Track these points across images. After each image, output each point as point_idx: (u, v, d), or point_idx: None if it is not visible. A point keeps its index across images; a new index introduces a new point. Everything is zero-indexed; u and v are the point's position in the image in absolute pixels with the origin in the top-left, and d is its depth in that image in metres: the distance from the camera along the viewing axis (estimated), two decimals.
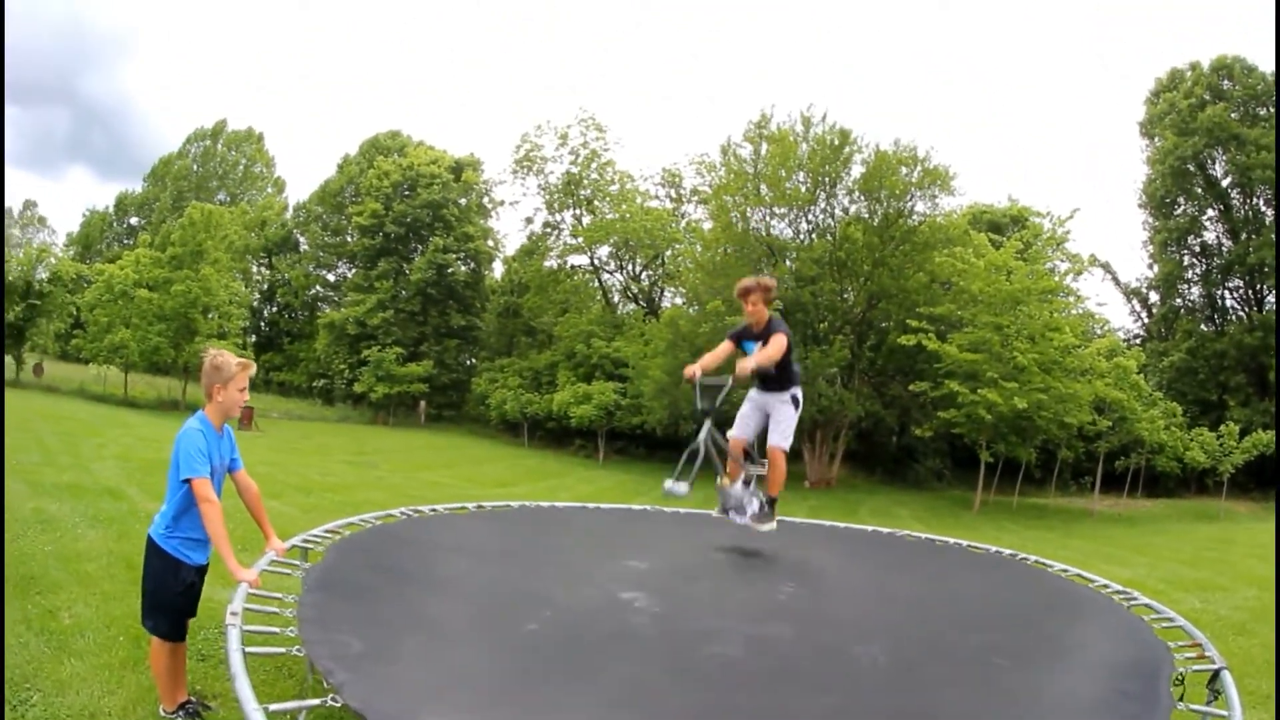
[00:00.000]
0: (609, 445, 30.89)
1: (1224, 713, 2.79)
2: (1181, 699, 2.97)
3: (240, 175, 53.94)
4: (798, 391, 5.05)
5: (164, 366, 29.49)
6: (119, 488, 8.91)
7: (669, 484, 4.39)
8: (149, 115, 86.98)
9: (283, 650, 2.90)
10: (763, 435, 5.14)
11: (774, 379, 5.04)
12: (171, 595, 3.42)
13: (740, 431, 5.13)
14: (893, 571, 5.51)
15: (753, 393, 5.21)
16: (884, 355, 27.25)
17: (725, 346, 5.07)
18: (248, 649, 2.70)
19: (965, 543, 6.48)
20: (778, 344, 4.74)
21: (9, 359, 25.93)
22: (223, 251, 31.50)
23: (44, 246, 28.75)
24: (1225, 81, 30.96)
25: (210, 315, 30.37)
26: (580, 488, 20.18)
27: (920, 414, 24.60)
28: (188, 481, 3.31)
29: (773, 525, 4.95)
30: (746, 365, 4.63)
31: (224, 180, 53.17)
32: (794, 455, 27.42)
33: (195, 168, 52.65)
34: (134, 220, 53.12)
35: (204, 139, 53.52)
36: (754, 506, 4.95)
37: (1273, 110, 29.68)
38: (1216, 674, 3.10)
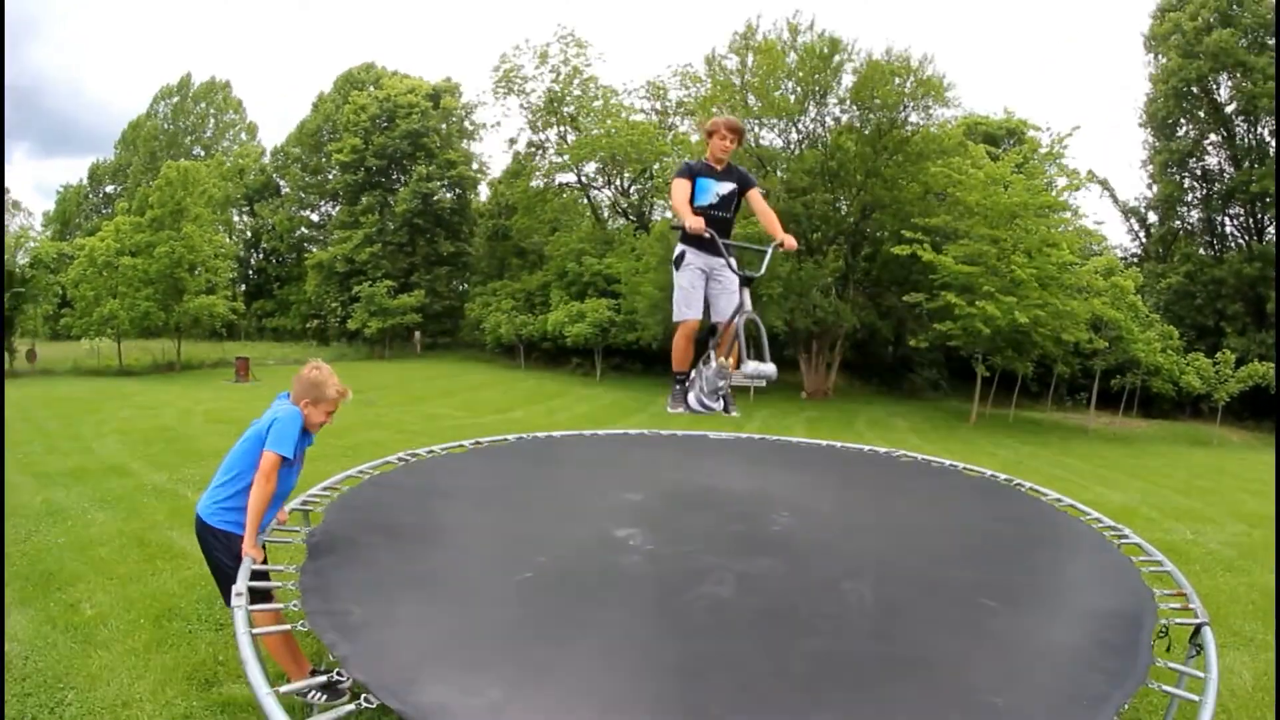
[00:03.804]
0: (605, 362, 31.00)
1: (1201, 674, 2.79)
2: (1169, 649, 3.00)
3: (213, 127, 52.29)
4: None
5: (155, 330, 29.23)
6: (123, 464, 8.94)
7: (752, 365, 3.81)
8: (103, 82, 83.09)
9: (289, 628, 2.92)
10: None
11: (728, 234, 4.47)
12: (232, 571, 3.28)
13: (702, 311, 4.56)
14: (887, 498, 5.51)
15: (693, 256, 4.50)
16: (879, 266, 27.07)
17: (686, 186, 4.44)
18: (256, 631, 2.72)
19: (961, 465, 6.52)
20: (764, 200, 4.34)
21: None
22: (203, 206, 30.77)
23: (23, 230, 27.87)
24: (1234, 7, 29.29)
25: (197, 271, 29.91)
26: (578, 407, 20.18)
27: (916, 325, 24.57)
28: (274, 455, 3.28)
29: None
30: (792, 241, 4.16)
31: (197, 135, 51.58)
32: (791, 365, 27.70)
33: (165, 126, 50.94)
34: (110, 189, 51.79)
35: (171, 96, 51.63)
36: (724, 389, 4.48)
37: None
38: (1199, 629, 3.08)
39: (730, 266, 4.22)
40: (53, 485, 7.66)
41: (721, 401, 4.55)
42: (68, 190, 53.46)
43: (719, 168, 4.49)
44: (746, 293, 4.15)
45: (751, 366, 3.85)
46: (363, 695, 2.36)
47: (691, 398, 4.73)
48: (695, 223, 4.17)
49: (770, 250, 4.29)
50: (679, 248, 4.52)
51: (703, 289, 4.53)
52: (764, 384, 3.90)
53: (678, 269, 4.56)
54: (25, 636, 4.15)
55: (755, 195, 4.54)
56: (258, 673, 2.43)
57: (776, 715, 2.41)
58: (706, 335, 4.67)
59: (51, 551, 5.58)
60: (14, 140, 76.55)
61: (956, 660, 2.84)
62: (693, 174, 4.47)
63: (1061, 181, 22.15)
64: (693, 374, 4.78)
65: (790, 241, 4.24)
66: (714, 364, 4.49)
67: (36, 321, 30.38)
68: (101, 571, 5.23)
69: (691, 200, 4.48)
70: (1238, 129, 30.77)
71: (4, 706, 3.46)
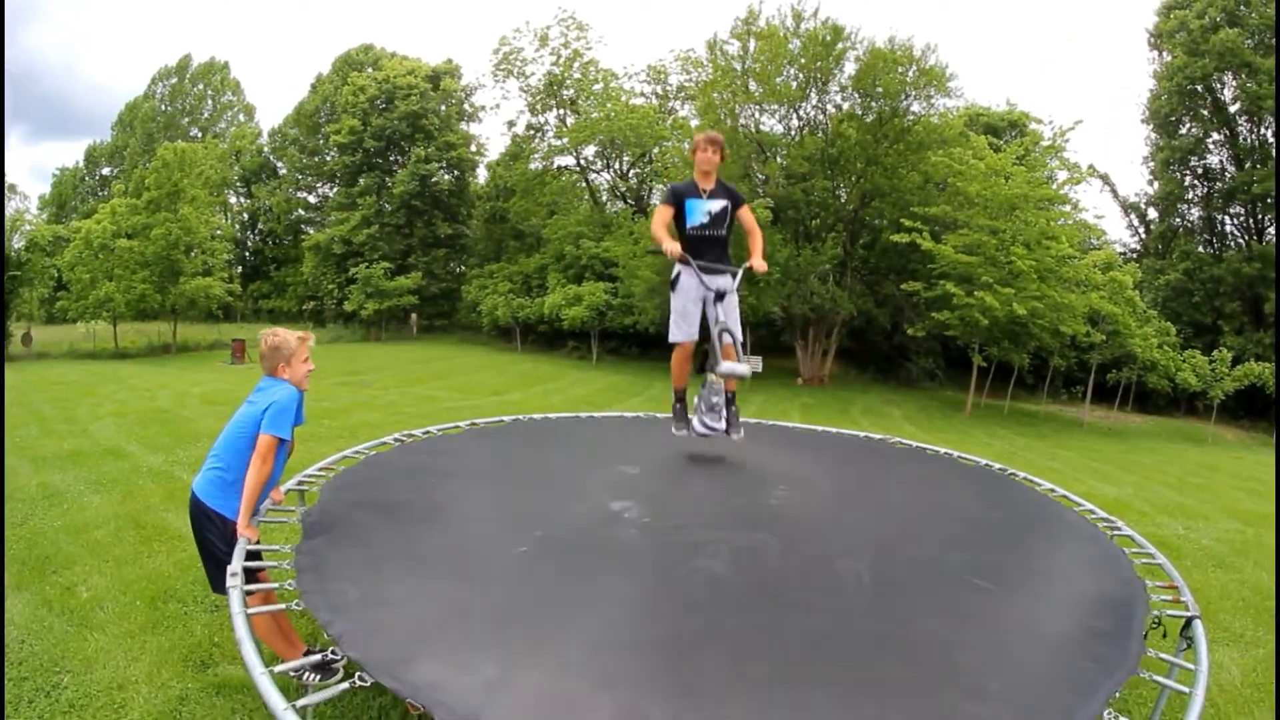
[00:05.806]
0: (601, 346, 31.04)
1: (1191, 666, 2.78)
2: (1160, 639, 3.00)
3: (210, 108, 52.11)
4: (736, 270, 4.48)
5: (151, 312, 29.22)
6: (118, 446, 8.87)
7: (725, 365, 4.20)
8: (100, 64, 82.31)
9: (284, 607, 2.91)
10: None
11: (724, 252, 4.47)
12: (224, 554, 3.23)
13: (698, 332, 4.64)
14: (882, 481, 5.47)
15: (688, 279, 4.50)
16: (877, 254, 27.10)
17: (667, 212, 4.43)
18: (250, 611, 2.70)
19: (955, 453, 6.51)
20: (753, 218, 4.38)
21: None
22: (200, 188, 30.72)
23: (18, 213, 27.75)
24: (1241, 7, 29.22)
25: (193, 253, 29.89)
26: (574, 390, 20.10)
27: (913, 314, 24.61)
28: (271, 437, 3.29)
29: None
30: (762, 265, 4.27)
31: (195, 117, 51.41)
32: (787, 352, 27.73)
33: (163, 108, 50.85)
34: (106, 171, 51.78)
35: (169, 77, 51.47)
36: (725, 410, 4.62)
37: None
38: (1189, 621, 3.06)
39: (703, 282, 4.38)
40: (49, 468, 7.59)
41: (724, 422, 4.65)
42: (64, 173, 53.35)
43: (706, 186, 4.45)
44: (720, 307, 4.32)
45: (725, 366, 4.14)
46: (357, 674, 2.35)
47: (695, 421, 4.84)
48: (672, 247, 4.21)
49: (740, 271, 4.41)
50: (675, 268, 4.51)
51: (699, 312, 4.57)
52: (748, 378, 4.11)
53: (673, 290, 4.59)
54: (21, 620, 4.13)
55: (745, 212, 4.56)
56: (252, 652, 2.42)
57: (769, 692, 2.41)
58: (705, 357, 4.74)
59: (47, 535, 5.55)
60: (9, 123, 75.99)
61: (949, 642, 2.84)
62: (678, 197, 4.45)
63: (1062, 175, 22.18)
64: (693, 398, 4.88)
65: (760, 265, 4.32)
66: (709, 382, 4.64)
67: (32, 305, 30.30)
68: (97, 554, 5.20)
69: (682, 222, 4.48)
70: (1240, 129, 30.78)
71: (4, 691, 3.46)
